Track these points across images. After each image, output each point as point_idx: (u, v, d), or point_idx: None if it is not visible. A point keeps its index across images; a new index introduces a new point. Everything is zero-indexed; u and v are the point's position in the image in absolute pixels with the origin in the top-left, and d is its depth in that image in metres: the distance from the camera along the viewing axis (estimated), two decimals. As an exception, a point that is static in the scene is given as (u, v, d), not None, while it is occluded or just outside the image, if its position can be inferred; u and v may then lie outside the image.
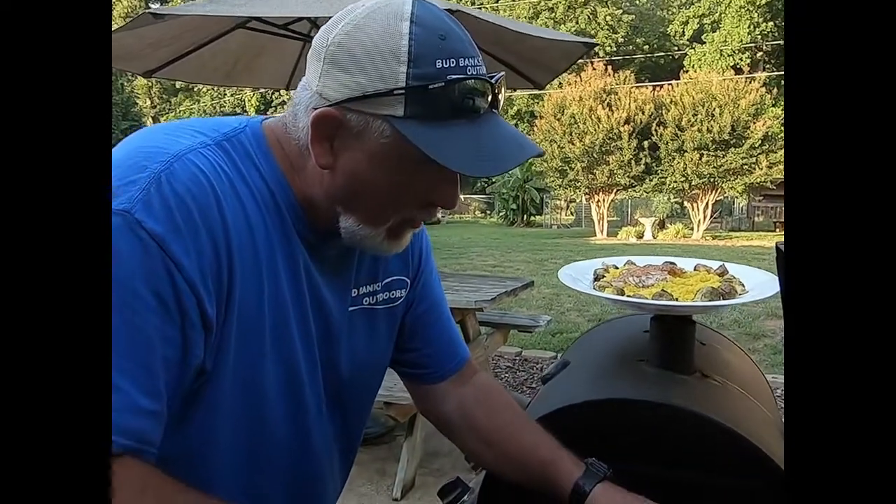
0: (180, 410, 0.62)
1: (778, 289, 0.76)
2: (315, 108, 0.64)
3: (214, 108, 30.83)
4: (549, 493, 0.81)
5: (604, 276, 1.12)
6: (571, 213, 23.57)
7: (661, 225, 18.06)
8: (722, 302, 0.93)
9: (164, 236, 0.57)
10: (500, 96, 0.66)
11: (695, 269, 1.15)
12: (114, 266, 0.53)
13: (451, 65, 0.61)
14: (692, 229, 17.20)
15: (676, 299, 0.95)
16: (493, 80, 0.64)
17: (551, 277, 7.33)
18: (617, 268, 1.18)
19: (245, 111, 28.85)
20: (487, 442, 0.87)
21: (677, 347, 1.00)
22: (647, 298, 0.96)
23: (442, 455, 3.01)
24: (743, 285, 1.02)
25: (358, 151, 0.65)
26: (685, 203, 18.15)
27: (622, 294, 1.00)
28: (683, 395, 0.91)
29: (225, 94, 30.51)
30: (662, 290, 0.98)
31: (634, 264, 1.20)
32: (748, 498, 0.82)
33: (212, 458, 0.67)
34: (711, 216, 17.73)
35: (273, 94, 27.91)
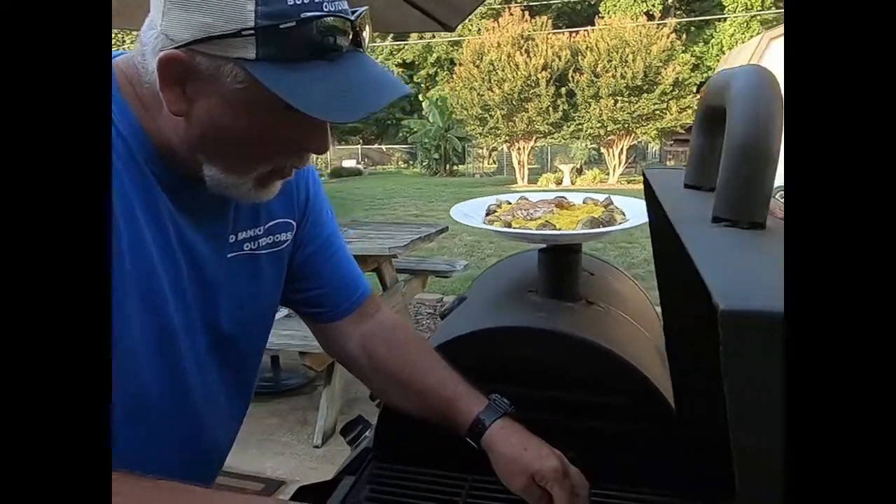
0: None
1: (646, 217, 0.78)
2: (162, 50, 0.59)
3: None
4: (452, 428, 0.82)
5: (495, 212, 1.13)
6: (493, 162, 23.75)
7: (580, 171, 18.52)
8: (600, 229, 0.96)
9: None
10: (363, 34, 0.62)
11: (583, 202, 1.19)
12: None
13: (306, 1, 0.57)
14: (608, 174, 17.73)
15: (559, 230, 0.98)
16: (353, 18, 0.60)
17: (472, 225, 7.40)
18: (510, 203, 1.20)
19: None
20: (392, 381, 0.87)
21: (563, 276, 1.03)
22: (531, 229, 0.98)
23: (362, 401, 3.04)
24: (623, 214, 1.06)
25: (213, 98, 0.60)
26: (601, 149, 18.64)
27: (509, 227, 1.02)
28: (567, 321, 0.95)
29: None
30: (546, 221, 1.00)
31: (527, 199, 1.22)
32: (626, 413, 0.87)
33: None
34: (626, 161, 18.32)
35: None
